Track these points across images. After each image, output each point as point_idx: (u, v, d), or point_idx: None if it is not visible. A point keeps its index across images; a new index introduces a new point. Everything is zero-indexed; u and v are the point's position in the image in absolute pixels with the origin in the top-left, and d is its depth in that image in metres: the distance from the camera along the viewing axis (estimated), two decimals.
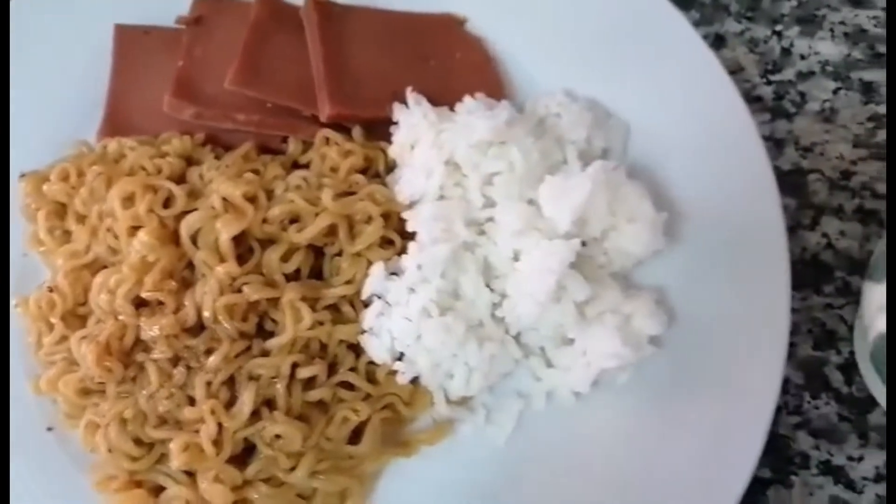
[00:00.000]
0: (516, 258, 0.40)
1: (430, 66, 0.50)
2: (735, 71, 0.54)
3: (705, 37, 0.55)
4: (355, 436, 0.40)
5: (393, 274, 0.40)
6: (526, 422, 0.41)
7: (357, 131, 0.46)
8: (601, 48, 0.50)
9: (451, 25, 0.52)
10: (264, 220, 0.40)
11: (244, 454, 0.38)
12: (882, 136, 0.51)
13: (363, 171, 0.45)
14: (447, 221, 0.40)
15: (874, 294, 0.39)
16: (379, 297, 0.40)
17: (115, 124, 0.49)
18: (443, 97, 0.47)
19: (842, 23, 0.56)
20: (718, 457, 0.38)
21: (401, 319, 0.38)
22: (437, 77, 0.49)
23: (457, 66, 0.50)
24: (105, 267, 0.41)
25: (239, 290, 0.38)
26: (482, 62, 0.51)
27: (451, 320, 0.38)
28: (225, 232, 0.39)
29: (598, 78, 0.49)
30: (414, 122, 0.43)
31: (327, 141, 0.45)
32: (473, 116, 0.42)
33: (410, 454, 0.40)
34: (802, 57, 0.55)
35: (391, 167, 0.45)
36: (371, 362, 0.40)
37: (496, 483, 0.40)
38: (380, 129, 0.47)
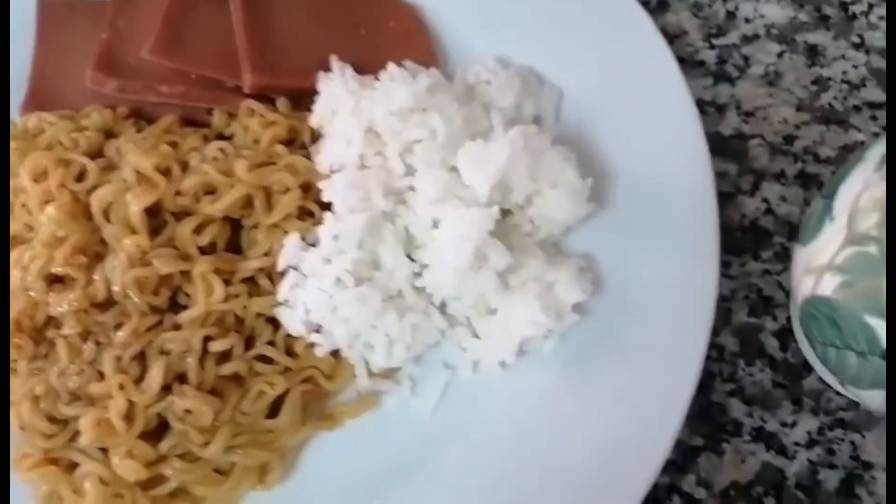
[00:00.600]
0: (436, 227, 0.39)
1: (360, 35, 0.49)
2: (678, 35, 0.53)
3: (647, 1, 0.54)
4: (276, 409, 0.39)
5: (311, 245, 0.40)
6: (453, 392, 0.41)
7: (282, 101, 0.45)
8: (537, 14, 0.49)
9: None
10: (178, 193, 0.39)
11: (160, 429, 0.38)
12: (825, 99, 0.50)
13: (289, 142, 0.44)
14: (364, 190, 0.39)
15: (800, 257, 0.38)
16: (295, 269, 0.39)
17: (38, 99, 0.48)
18: (373, 65, 0.46)
19: None
20: (642, 424, 0.38)
21: (316, 291, 0.37)
22: (367, 45, 0.48)
23: (388, 34, 0.49)
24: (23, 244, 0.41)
25: (150, 264, 0.37)
26: (414, 30, 0.50)
27: (367, 291, 0.38)
28: (135, 204, 0.38)
29: (534, 44, 0.48)
30: (334, 90, 0.42)
31: (252, 112, 0.44)
32: (394, 84, 0.41)
33: (334, 427, 0.40)
34: (747, 20, 0.54)
35: (318, 138, 0.45)
36: (291, 335, 0.39)
37: (422, 454, 0.39)
38: (307, 100, 0.46)
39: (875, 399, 0.36)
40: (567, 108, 0.47)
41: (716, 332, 0.45)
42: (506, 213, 0.42)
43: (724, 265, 0.46)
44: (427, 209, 0.39)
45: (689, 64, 0.52)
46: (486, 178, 0.38)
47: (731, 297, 0.45)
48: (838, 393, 0.42)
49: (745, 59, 0.52)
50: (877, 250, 0.32)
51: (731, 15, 0.53)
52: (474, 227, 0.38)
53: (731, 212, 0.48)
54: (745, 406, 0.43)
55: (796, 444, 0.42)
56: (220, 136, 0.45)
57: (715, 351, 0.44)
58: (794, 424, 0.43)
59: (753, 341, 0.44)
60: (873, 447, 0.42)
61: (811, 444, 0.42)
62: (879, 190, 0.33)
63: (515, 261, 0.40)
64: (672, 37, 0.53)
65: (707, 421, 0.43)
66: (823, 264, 0.36)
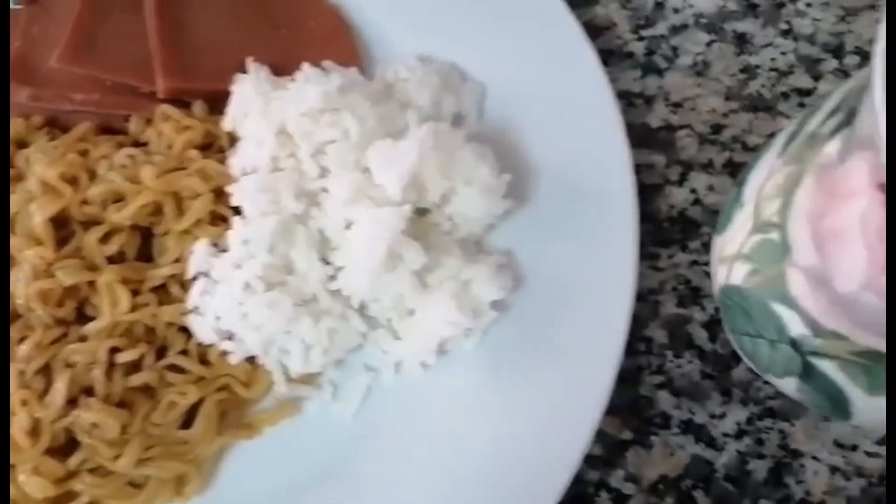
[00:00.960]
0: (349, 228, 0.38)
1: (280, 35, 0.48)
2: (607, 27, 0.53)
3: None
4: (192, 420, 0.38)
5: (223, 251, 0.39)
6: (375, 395, 0.40)
7: (198, 105, 0.44)
8: (461, 11, 0.48)
9: None
10: (84, 202, 0.38)
11: (71, 444, 0.37)
12: (753, 87, 0.50)
13: (208, 147, 0.44)
14: (275, 193, 0.38)
15: (716, 246, 0.38)
16: (205, 275, 0.38)
17: None
18: (294, 66, 0.45)
19: None
20: (562, 419, 0.37)
21: (225, 297, 0.37)
22: (287, 46, 0.48)
23: (310, 34, 0.49)
24: None
25: (54, 276, 0.36)
26: (336, 29, 0.49)
27: (278, 296, 0.37)
28: (39, 214, 0.37)
29: (458, 41, 0.48)
30: (245, 92, 0.41)
31: (167, 117, 0.43)
32: (306, 84, 0.40)
33: (253, 435, 0.39)
34: (676, 10, 0.53)
35: (237, 141, 0.44)
36: (205, 344, 0.39)
37: (344, 459, 0.39)
38: (226, 103, 0.45)
39: (789, 387, 0.35)
40: (491, 104, 0.46)
41: (644, 324, 0.45)
42: (424, 211, 0.41)
43: (652, 257, 0.46)
44: (339, 210, 0.38)
45: (617, 56, 0.52)
46: (396, 177, 0.37)
47: (660, 289, 0.45)
48: (766, 382, 0.42)
49: (674, 49, 0.52)
50: (778, 237, 0.31)
51: (659, 6, 0.53)
52: (386, 227, 0.37)
53: (660, 203, 0.47)
54: (673, 398, 0.43)
55: (725, 435, 0.42)
56: (137, 143, 0.44)
57: (643, 344, 0.44)
58: (722, 416, 0.42)
59: (682, 333, 0.44)
60: (802, 435, 0.42)
61: (740, 434, 0.42)
62: (782, 176, 0.32)
63: (433, 260, 0.39)
64: (601, 29, 0.53)
65: (635, 415, 0.42)
66: (734, 253, 0.35)
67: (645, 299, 0.45)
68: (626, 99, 0.50)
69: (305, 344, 0.38)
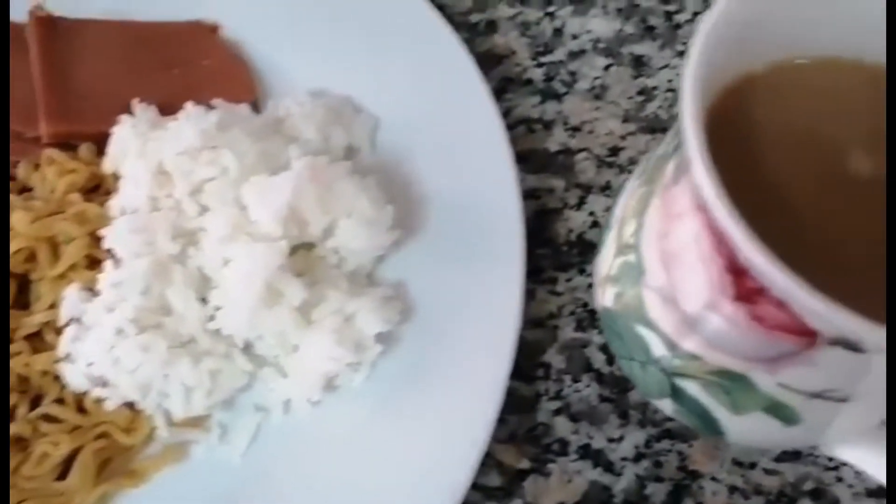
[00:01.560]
0: (227, 266, 0.38)
1: (173, 75, 0.48)
2: (506, 55, 0.53)
3: (477, 24, 0.55)
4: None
5: (97, 295, 0.38)
6: (265, 435, 0.40)
7: (84, 148, 0.44)
8: (356, 46, 0.49)
9: (200, 32, 0.50)
10: None
11: None
12: (650, 108, 0.51)
13: (95, 189, 0.44)
14: (149, 234, 0.38)
15: (594, 268, 0.38)
16: (77, 321, 0.38)
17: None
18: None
19: None
20: (447, 451, 0.37)
21: (96, 342, 0.36)
22: (181, 85, 0.48)
23: (204, 73, 0.49)
24: None
25: None
26: (232, 67, 0.49)
27: (151, 338, 0.36)
28: None
29: (353, 75, 0.48)
30: (124, 133, 0.41)
31: (52, 161, 0.43)
32: (184, 123, 0.40)
33: (138, 483, 0.38)
34: (574, 36, 0.54)
35: None
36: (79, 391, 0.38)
37: (232, 502, 0.38)
38: None
39: (668, 408, 0.35)
40: (384, 136, 0.47)
41: (542, 350, 0.45)
42: (310, 245, 0.41)
43: (551, 282, 0.46)
44: (216, 248, 0.38)
45: (517, 83, 0.52)
46: (270, 212, 0.37)
47: (558, 313, 0.45)
48: None
49: (572, 74, 0.52)
50: (634, 258, 0.31)
51: (558, 32, 0.54)
52: (261, 264, 0.37)
53: (559, 227, 0.47)
54: (571, 423, 0.42)
55: (623, 459, 0.41)
56: (25, 189, 0.44)
57: (541, 370, 0.44)
58: (621, 439, 0.42)
59: (580, 357, 0.44)
60: (700, 456, 0.41)
61: (638, 457, 0.41)
62: (636, 197, 0.33)
63: (317, 294, 0.39)
64: (501, 57, 0.53)
65: (533, 443, 0.42)
66: (604, 276, 0.35)
67: (543, 325, 0.45)
68: (526, 125, 0.51)
69: (186, 386, 0.37)
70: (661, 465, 0.41)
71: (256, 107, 0.47)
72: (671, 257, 0.28)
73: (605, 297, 0.35)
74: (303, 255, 0.40)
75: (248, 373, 0.39)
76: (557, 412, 0.43)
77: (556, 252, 0.47)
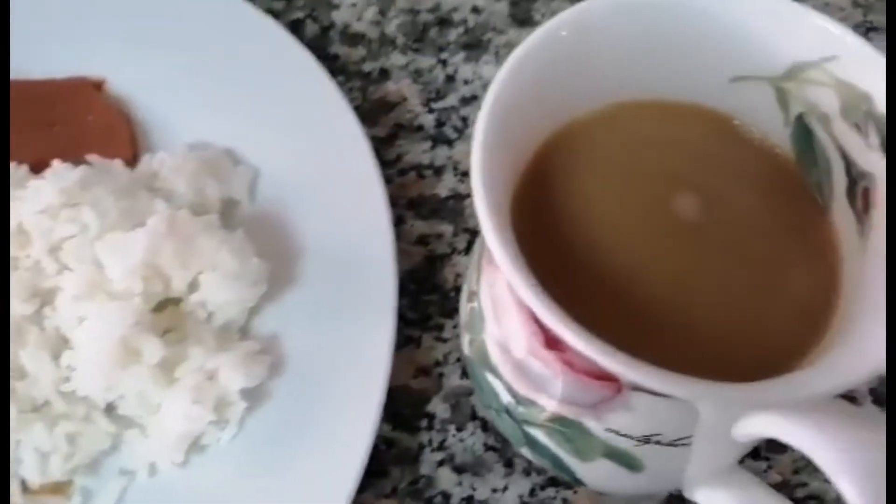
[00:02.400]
0: (81, 325, 0.37)
1: (53, 132, 0.48)
2: (399, 102, 0.54)
3: (370, 72, 0.55)
4: None
5: None
6: (131, 501, 0.38)
7: None
8: (240, 100, 0.49)
9: (84, 89, 0.50)
10: None
11: None
12: None
13: None
14: None
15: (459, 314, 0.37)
16: None
17: None
18: (69, 162, 0.45)
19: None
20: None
21: None
22: (61, 143, 0.47)
23: (86, 130, 0.48)
24: None
25: None
26: (114, 123, 0.49)
27: None
28: None
29: (235, 128, 0.48)
30: None
31: None
32: (45, 181, 0.40)
33: None
34: (466, 82, 0.54)
35: None
36: None
37: None
38: None
39: (530, 456, 0.34)
40: (265, 188, 0.46)
41: (427, 399, 0.44)
42: (177, 301, 0.40)
43: (438, 328, 0.46)
44: (71, 307, 0.37)
45: (408, 129, 0.52)
46: (124, 268, 0.36)
47: (444, 361, 0.44)
48: None
49: (464, 120, 0.53)
50: (477, 305, 0.31)
51: (450, 78, 0.54)
52: (115, 322, 0.36)
53: (447, 273, 0.47)
54: (455, 475, 0.41)
55: None
56: None
57: (425, 420, 0.43)
58: (505, 489, 0.41)
59: (465, 405, 0.43)
60: (585, 502, 0.40)
61: None
62: (479, 244, 0.32)
63: (181, 352, 0.38)
64: (393, 104, 0.53)
65: (415, 496, 0.40)
66: (462, 323, 0.35)
67: (429, 373, 0.44)
68: (417, 171, 0.51)
69: (40, 452, 0.36)
70: None
71: (136, 162, 0.46)
72: (498, 304, 0.28)
73: (463, 344, 0.35)
74: (171, 311, 0.39)
75: (112, 435, 0.38)
76: (441, 463, 0.42)
77: (443, 298, 0.46)
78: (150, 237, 0.37)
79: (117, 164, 0.44)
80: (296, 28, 0.56)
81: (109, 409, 0.38)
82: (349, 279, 0.41)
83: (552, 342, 0.24)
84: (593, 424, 0.27)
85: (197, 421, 0.36)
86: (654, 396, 0.23)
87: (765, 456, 0.41)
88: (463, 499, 0.40)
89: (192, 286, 0.39)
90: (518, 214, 0.27)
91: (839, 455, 0.21)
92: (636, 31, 0.28)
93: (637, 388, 0.23)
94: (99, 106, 0.49)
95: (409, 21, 0.57)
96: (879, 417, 0.22)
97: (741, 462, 0.31)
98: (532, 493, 0.41)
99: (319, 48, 0.54)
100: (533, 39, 0.26)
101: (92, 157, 0.44)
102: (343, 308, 0.41)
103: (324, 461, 0.36)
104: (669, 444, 0.26)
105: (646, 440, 0.26)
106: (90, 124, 0.48)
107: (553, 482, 0.41)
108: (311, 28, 0.56)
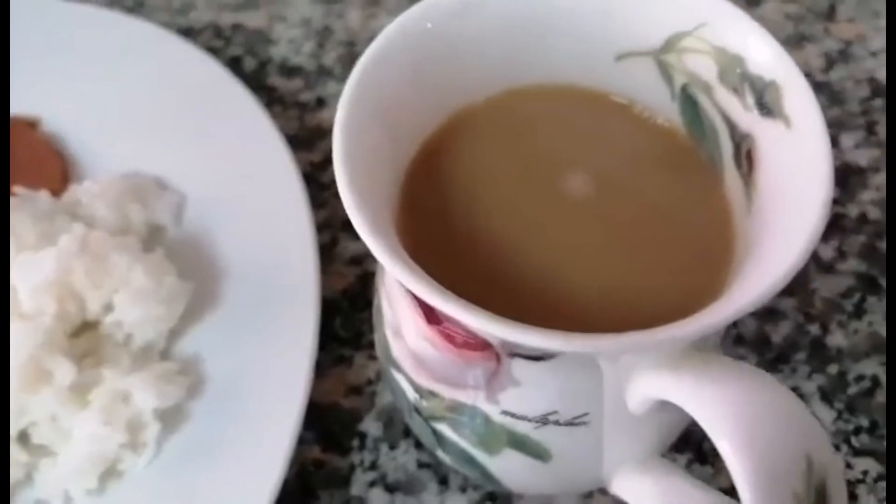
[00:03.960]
0: None
1: None
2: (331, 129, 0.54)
3: (307, 103, 0.56)
4: None
5: None
6: None
7: None
8: (170, 128, 0.49)
9: (19, 127, 0.51)
10: None
11: None
12: None
13: None
14: None
15: None
16: None
17: None
18: None
19: None
20: None
21: None
22: None
23: (18, 166, 0.48)
24: None
25: None
26: (45, 156, 0.49)
27: None
28: None
29: (165, 155, 0.48)
30: None
31: None
32: None
33: None
34: None
35: None
36: None
37: None
38: None
39: (447, 460, 0.33)
40: (192, 213, 0.46)
41: (359, 418, 0.42)
42: (94, 324, 0.39)
43: (370, 346, 0.44)
44: None
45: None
46: (34, 287, 0.36)
47: (376, 379, 0.43)
48: None
49: None
50: (377, 300, 0.30)
51: None
52: (22, 342, 0.35)
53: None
54: (387, 495, 0.39)
55: None
56: None
57: (357, 440, 0.41)
58: None
59: (398, 422, 0.42)
60: None
61: None
62: None
63: (96, 374, 0.37)
64: (329, 130, 0.53)
65: None
66: (373, 323, 0.34)
67: (361, 392, 0.43)
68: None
69: None
70: None
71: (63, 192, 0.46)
72: (390, 290, 0.27)
73: (376, 346, 0.34)
74: (88, 335, 0.39)
75: (25, 465, 0.36)
76: (372, 484, 0.40)
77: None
78: (61, 256, 0.36)
79: (42, 193, 0.44)
80: (234, 64, 0.57)
81: (23, 437, 0.37)
82: (271, 301, 0.41)
83: (431, 317, 0.24)
84: (490, 409, 0.26)
85: (107, 441, 0.35)
86: (534, 363, 0.23)
87: (711, 462, 0.40)
88: None
89: (108, 307, 0.38)
90: (404, 208, 0.27)
91: (718, 411, 0.20)
92: (512, 16, 0.28)
93: (514, 355, 0.22)
94: (33, 143, 0.49)
95: (346, 53, 0.58)
96: (765, 376, 0.22)
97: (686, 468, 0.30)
98: None
99: (257, 81, 0.55)
100: (386, 36, 0.27)
101: (18, 188, 0.44)
102: (264, 329, 0.40)
103: (240, 483, 0.35)
104: (568, 424, 0.25)
105: (543, 421, 0.25)
106: (21, 159, 0.48)
107: (490, 498, 0.39)
108: (249, 63, 0.57)
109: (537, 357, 0.22)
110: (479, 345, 0.23)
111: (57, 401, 0.35)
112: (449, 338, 0.24)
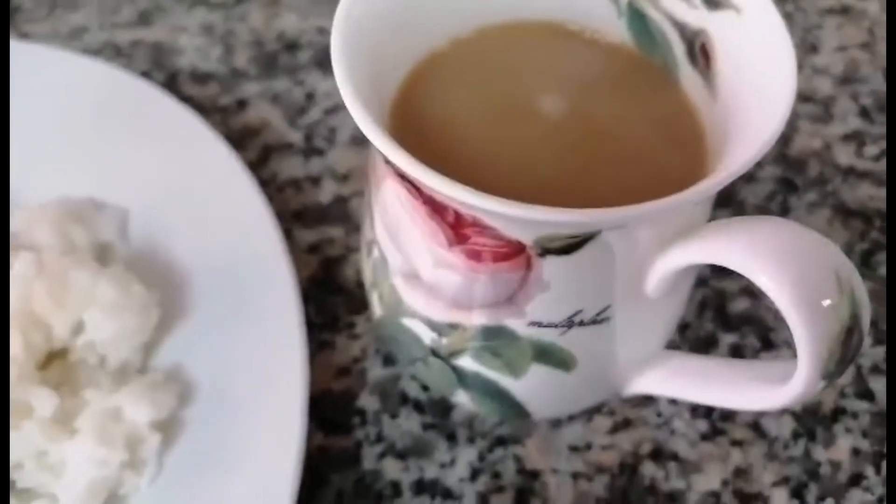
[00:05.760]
0: None
1: None
2: (262, 127, 0.53)
3: (227, 106, 0.55)
4: None
5: None
6: None
7: None
8: (96, 147, 0.47)
9: None
10: None
11: None
12: None
13: None
14: None
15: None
16: None
17: None
18: None
19: None
20: None
21: None
22: None
23: None
24: None
25: None
26: None
27: None
28: None
29: (97, 174, 0.46)
30: None
31: None
32: None
33: None
34: (327, 95, 0.55)
35: None
36: None
37: None
38: None
39: (467, 402, 0.33)
40: (138, 226, 0.44)
41: (354, 397, 0.42)
42: (63, 352, 0.37)
43: (349, 326, 0.44)
44: None
45: (277, 148, 0.52)
46: None
47: (363, 356, 0.43)
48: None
49: (331, 129, 0.53)
50: (377, 252, 0.30)
51: (309, 96, 0.55)
52: None
53: (347, 272, 0.46)
54: (400, 462, 0.39)
55: (461, 480, 0.39)
56: None
57: (357, 417, 0.41)
58: (453, 462, 0.39)
59: (394, 392, 0.42)
60: (535, 453, 0.39)
61: (475, 475, 0.39)
62: (366, 193, 0.32)
63: (79, 401, 0.35)
64: (257, 129, 0.53)
65: (364, 495, 0.38)
66: (368, 287, 0.34)
67: (350, 371, 0.42)
68: (295, 184, 0.50)
69: None
70: (500, 474, 0.39)
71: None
72: (395, 230, 0.28)
73: (375, 308, 0.34)
74: (58, 365, 0.36)
75: None
76: (382, 455, 0.40)
77: (349, 296, 0.45)
78: (18, 282, 0.34)
79: None
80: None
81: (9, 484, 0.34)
82: (247, 294, 0.40)
83: (457, 235, 0.24)
84: (517, 323, 0.27)
85: (108, 465, 0.33)
86: (564, 258, 0.24)
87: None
88: (413, 482, 0.39)
89: (77, 328, 0.36)
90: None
91: (751, 252, 0.22)
92: None
93: (545, 252, 0.23)
94: None
95: (256, 53, 0.57)
96: (773, 217, 0.24)
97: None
98: (481, 458, 0.39)
99: (170, 92, 0.53)
100: None
101: None
102: (247, 324, 0.39)
103: (256, 483, 0.34)
104: (592, 323, 0.26)
105: (569, 324, 0.26)
106: None
107: (500, 441, 0.40)
108: (157, 76, 0.55)
109: (568, 250, 0.23)
110: (511, 252, 0.23)
111: (42, 434, 0.33)
112: (475, 255, 0.24)
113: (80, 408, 0.35)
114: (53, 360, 0.37)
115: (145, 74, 0.55)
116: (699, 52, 0.29)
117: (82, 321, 0.36)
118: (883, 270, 0.46)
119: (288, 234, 0.48)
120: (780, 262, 0.21)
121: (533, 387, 0.29)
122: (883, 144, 0.52)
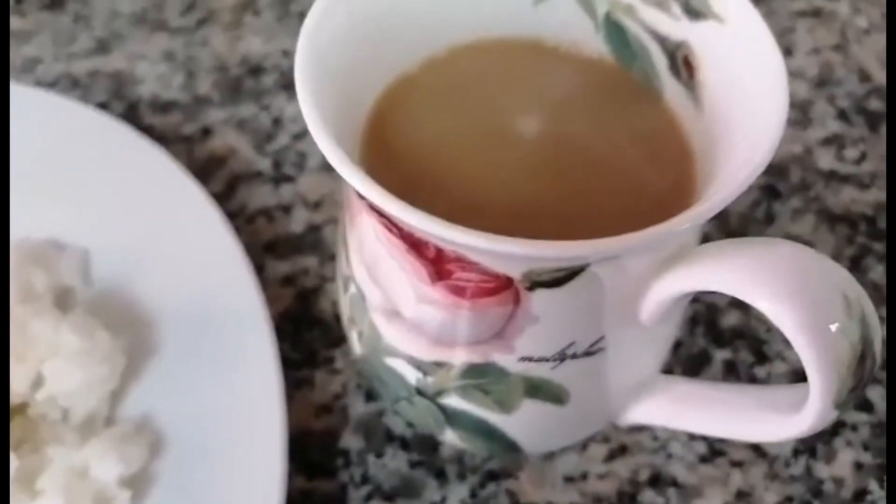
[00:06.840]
0: None
1: None
2: (229, 155, 0.52)
3: (191, 135, 0.52)
4: None
5: None
6: None
7: None
8: (44, 184, 0.44)
9: None
10: None
11: None
12: None
13: None
14: None
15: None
16: None
17: None
18: None
19: None
20: None
21: None
22: None
23: None
24: None
25: None
26: None
27: None
28: None
29: (56, 215, 0.43)
30: None
31: None
32: None
33: None
34: (293, 120, 0.53)
35: None
36: None
37: None
38: None
39: (456, 440, 0.32)
40: (101, 268, 0.42)
41: (337, 436, 0.40)
42: (23, 407, 0.35)
43: (328, 361, 0.42)
44: None
45: (245, 177, 0.50)
46: None
47: (344, 391, 0.41)
48: None
49: (301, 155, 0.51)
50: (355, 288, 0.29)
51: (276, 121, 0.53)
52: None
53: (323, 304, 0.44)
54: (387, 503, 0.38)
55: None
56: None
57: (341, 458, 0.39)
58: (444, 501, 0.37)
59: (378, 428, 0.40)
60: (529, 486, 0.38)
61: None
62: (340, 227, 0.30)
63: (41, 459, 0.33)
64: (223, 158, 0.51)
65: None
66: (346, 323, 0.32)
67: (331, 408, 0.40)
68: (266, 214, 0.48)
69: None
70: None
71: None
72: (373, 265, 0.26)
73: (354, 346, 0.32)
74: (17, 422, 0.34)
75: None
76: (369, 497, 0.38)
77: (326, 329, 0.43)
78: None
79: None
80: (101, 111, 0.53)
81: None
82: (218, 334, 0.38)
83: (439, 271, 0.23)
84: (506, 359, 0.25)
85: None
86: (554, 290, 0.22)
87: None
88: None
89: (36, 382, 0.34)
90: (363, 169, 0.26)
91: (749, 278, 0.20)
92: None
93: (534, 285, 0.22)
94: None
95: (220, 78, 0.55)
96: (769, 239, 0.22)
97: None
98: (473, 494, 0.37)
99: (131, 123, 0.51)
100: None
101: None
102: (219, 366, 0.36)
103: None
104: (585, 354, 0.25)
105: (561, 357, 0.25)
106: None
107: (491, 476, 0.38)
108: (117, 107, 0.53)
109: (558, 282, 0.21)
110: (497, 286, 0.22)
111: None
112: (459, 291, 0.23)
113: (42, 466, 0.32)
114: (13, 416, 0.35)
115: (104, 106, 0.53)
116: (682, 63, 0.27)
117: (42, 374, 0.34)
118: (874, 275, 0.45)
119: (260, 267, 0.46)
120: (784, 287, 0.19)
121: (525, 423, 0.28)
122: (862, 147, 0.51)
